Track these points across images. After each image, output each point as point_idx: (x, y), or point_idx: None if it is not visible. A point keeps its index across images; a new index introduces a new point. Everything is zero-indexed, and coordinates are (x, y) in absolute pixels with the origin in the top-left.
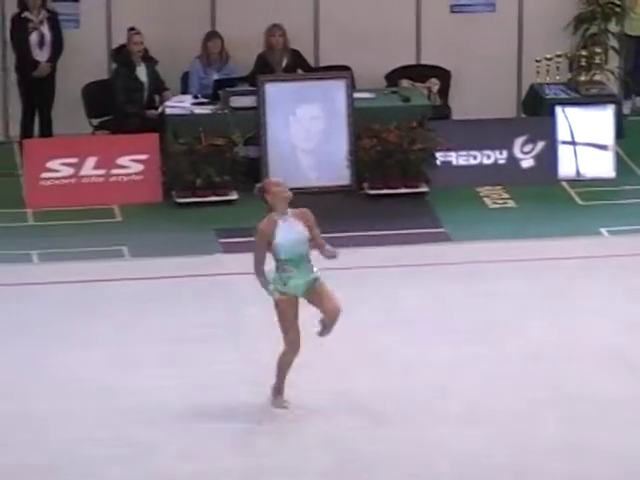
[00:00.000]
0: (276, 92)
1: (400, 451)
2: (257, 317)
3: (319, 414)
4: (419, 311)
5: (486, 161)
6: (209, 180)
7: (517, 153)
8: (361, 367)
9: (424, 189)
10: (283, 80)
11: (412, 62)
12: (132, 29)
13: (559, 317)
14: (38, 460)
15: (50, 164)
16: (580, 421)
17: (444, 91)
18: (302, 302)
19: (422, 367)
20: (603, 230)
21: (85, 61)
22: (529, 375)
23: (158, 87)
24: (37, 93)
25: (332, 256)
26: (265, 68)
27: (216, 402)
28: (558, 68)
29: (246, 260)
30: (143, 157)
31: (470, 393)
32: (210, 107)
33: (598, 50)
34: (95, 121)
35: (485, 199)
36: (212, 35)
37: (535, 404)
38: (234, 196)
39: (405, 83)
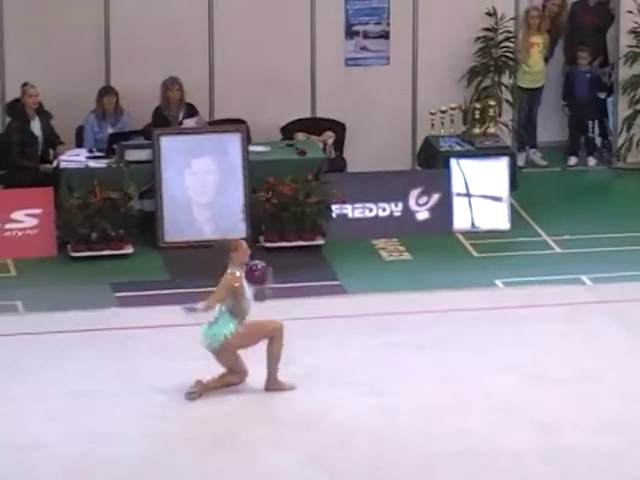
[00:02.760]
0: (171, 145)
1: None
2: (153, 369)
3: None
4: (314, 364)
5: (382, 213)
6: (104, 234)
7: (412, 205)
8: (254, 420)
9: (320, 242)
10: (178, 133)
11: (307, 115)
12: (26, 84)
13: (454, 368)
14: None
15: None
16: (482, 476)
17: (339, 144)
18: None
19: (318, 421)
20: (498, 282)
21: None
22: (427, 428)
23: (52, 141)
24: None
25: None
26: (161, 121)
27: (108, 453)
28: (452, 120)
29: (141, 314)
30: (37, 211)
31: (368, 446)
32: (105, 161)
33: (492, 102)
34: None
35: (381, 251)
36: (107, 90)
37: (436, 457)
38: (129, 250)
39: (300, 136)
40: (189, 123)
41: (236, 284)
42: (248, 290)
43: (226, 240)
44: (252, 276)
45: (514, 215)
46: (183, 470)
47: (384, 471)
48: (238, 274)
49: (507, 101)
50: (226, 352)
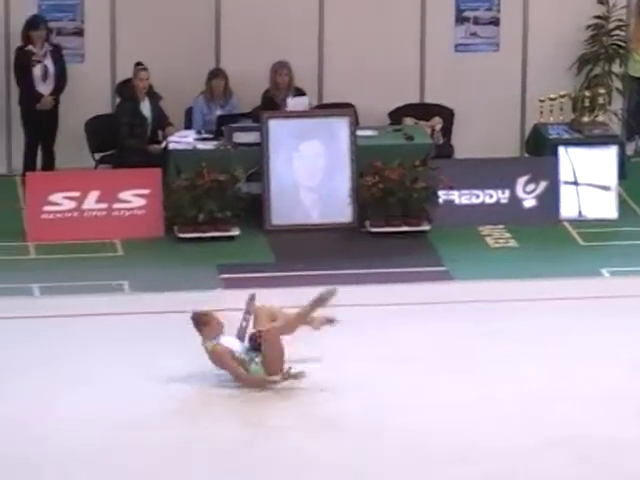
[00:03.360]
0: (280, 129)
1: None
2: None
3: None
4: (419, 350)
5: (488, 200)
6: (211, 215)
7: (519, 193)
8: (358, 404)
9: (426, 227)
10: (287, 117)
11: (416, 101)
12: (139, 64)
13: (558, 357)
14: None
15: (52, 197)
16: (586, 463)
17: (447, 130)
18: None
19: (419, 407)
20: (604, 271)
21: (89, 95)
22: (529, 416)
23: (161, 122)
24: (40, 126)
25: None
26: (270, 105)
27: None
28: (561, 108)
29: (246, 296)
30: (145, 192)
31: (466, 433)
32: (213, 143)
33: (601, 91)
34: (98, 155)
35: (487, 238)
36: (216, 73)
37: (538, 445)
38: (236, 232)
39: (408, 121)
40: (296, 102)
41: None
42: (238, 344)
43: (197, 314)
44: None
45: (622, 204)
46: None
47: (486, 458)
48: (216, 346)
49: (617, 90)
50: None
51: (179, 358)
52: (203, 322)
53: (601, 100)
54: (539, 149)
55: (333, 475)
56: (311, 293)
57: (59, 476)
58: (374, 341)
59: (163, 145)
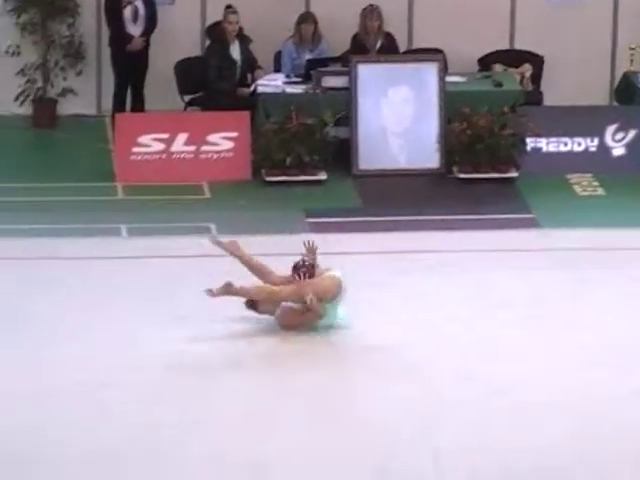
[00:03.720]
0: (369, 73)
1: (475, 436)
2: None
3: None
4: (508, 297)
5: (577, 148)
6: (299, 159)
7: (608, 141)
8: (447, 352)
9: (513, 174)
10: (376, 61)
11: (506, 47)
12: (229, 7)
13: None
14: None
15: (141, 139)
16: None
17: (537, 77)
18: None
19: (507, 353)
20: None
21: (179, 38)
22: (619, 363)
23: (251, 65)
24: (130, 68)
25: None
26: (359, 49)
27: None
28: None
29: (333, 241)
30: (234, 135)
31: (556, 381)
32: (302, 87)
33: None
34: (187, 97)
35: (575, 186)
36: (306, 17)
37: (624, 394)
38: (323, 176)
39: (498, 68)
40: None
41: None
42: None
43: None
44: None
45: None
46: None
47: (568, 404)
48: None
49: None
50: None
51: None
52: (255, 306)
53: None
54: (629, 97)
55: (417, 417)
56: (397, 239)
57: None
58: (461, 287)
59: (252, 88)
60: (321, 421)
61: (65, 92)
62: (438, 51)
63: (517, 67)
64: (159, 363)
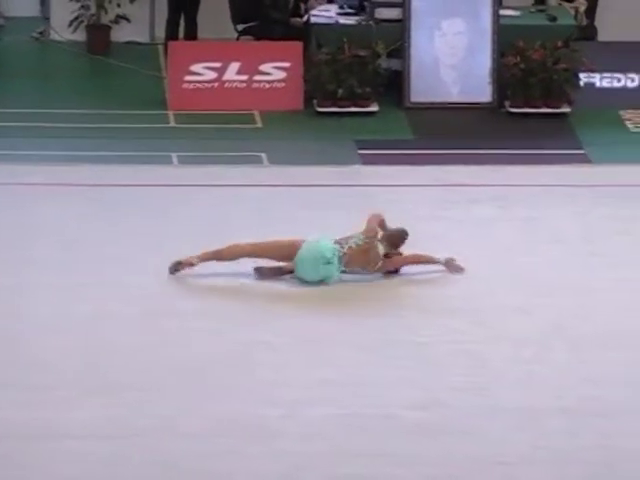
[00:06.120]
0: (422, 5)
1: (531, 374)
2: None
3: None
4: (558, 232)
5: (630, 84)
6: (351, 90)
7: None
8: (499, 286)
9: (566, 110)
10: None
11: None
12: None
13: None
14: None
15: (194, 67)
16: None
17: (591, 12)
18: None
19: (560, 289)
20: None
21: None
22: None
23: None
24: None
25: None
26: None
27: None
28: None
29: (385, 172)
30: (286, 65)
31: (609, 317)
32: (355, 18)
33: None
34: (240, 27)
35: (627, 122)
36: None
37: None
38: (375, 108)
39: (552, 2)
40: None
41: None
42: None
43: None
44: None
45: None
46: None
47: (621, 342)
48: None
49: None
50: None
51: (312, 227)
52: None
53: None
54: None
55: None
56: (448, 172)
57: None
58: (510, 221)
59: (305, 18)
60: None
61: (118, 19)
62: None
63: (571, 1)
64: (208, 288)
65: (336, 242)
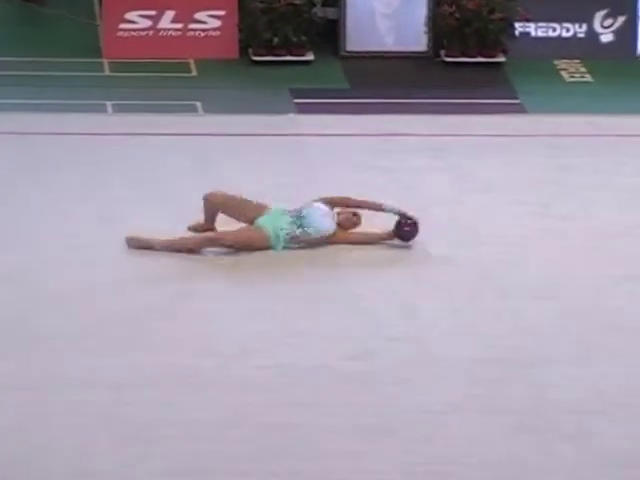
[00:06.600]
0: None
1: (462, 324)
2: (329, 177)
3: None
4: (491, 182)
5: (565, 34)
6: (286, 39)
7: (597, 27)
8: (429, 236)
9: (501, 59)
10: None
11: None
12: None
13: (630, 194)
14: None
15: (128, 15)
16: None
17: None
18: None
19: (489, 238)
20: None
21: None
22: (598, 252)
23: None
24: None
25: None
26: None
27: None
28: None
29: (320, 121)
30: (221, 13)
31: (539, 266)
32: None
33: None
34: None
35: (562, 72)
36: None
37: (607, 280)
38: (310, 57)
39: None
40: None
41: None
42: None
43: None
44: (401, 230)
45: None
46: None
47: (551, 291)
48: None
49: None
50: None
51: (248, 175)
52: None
53: None
54: None
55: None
56: (383, 121)
57: None
58: (445, 170)
59: None
60: None
61: None
62: None
63: None
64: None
65: (291, 216)
